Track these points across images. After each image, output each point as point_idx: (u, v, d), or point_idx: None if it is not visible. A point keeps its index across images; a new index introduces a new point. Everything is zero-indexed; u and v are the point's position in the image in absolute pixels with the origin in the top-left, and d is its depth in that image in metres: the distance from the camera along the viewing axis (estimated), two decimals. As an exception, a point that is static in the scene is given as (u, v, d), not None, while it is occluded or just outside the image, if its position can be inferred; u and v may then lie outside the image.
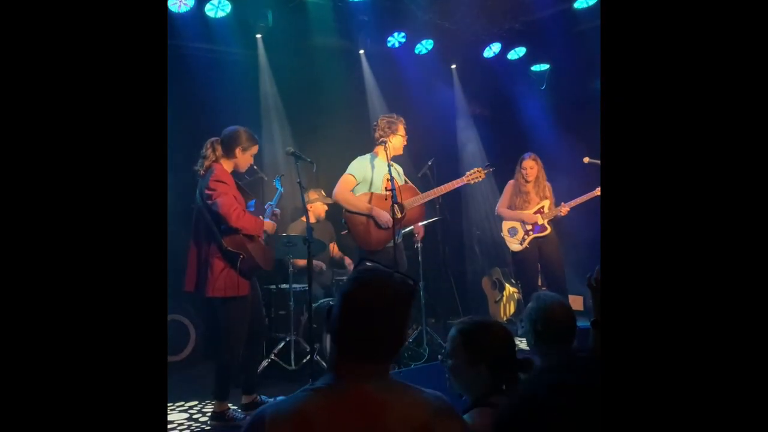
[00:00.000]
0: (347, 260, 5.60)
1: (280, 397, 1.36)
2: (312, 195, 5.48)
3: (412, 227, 4.77)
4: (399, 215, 4.12)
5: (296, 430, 1.24)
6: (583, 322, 2.57)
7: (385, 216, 4.16)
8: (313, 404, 1.28)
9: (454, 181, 4.41)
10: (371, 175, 4.30)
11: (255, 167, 4.47)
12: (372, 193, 4.29)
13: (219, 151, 3.60)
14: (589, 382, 0.87)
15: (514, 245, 5.33)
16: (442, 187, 4.38)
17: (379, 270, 1.40)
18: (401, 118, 4.36)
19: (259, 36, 5.77)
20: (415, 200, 4.26)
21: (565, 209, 5.20)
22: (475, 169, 4.46)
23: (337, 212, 4.58)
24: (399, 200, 4.03)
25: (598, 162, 5.08)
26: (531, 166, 5.27)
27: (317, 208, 5.49)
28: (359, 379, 1.31)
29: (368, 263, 1.47)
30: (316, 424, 1.25)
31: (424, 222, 4.96)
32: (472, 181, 4.44)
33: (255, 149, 3.70)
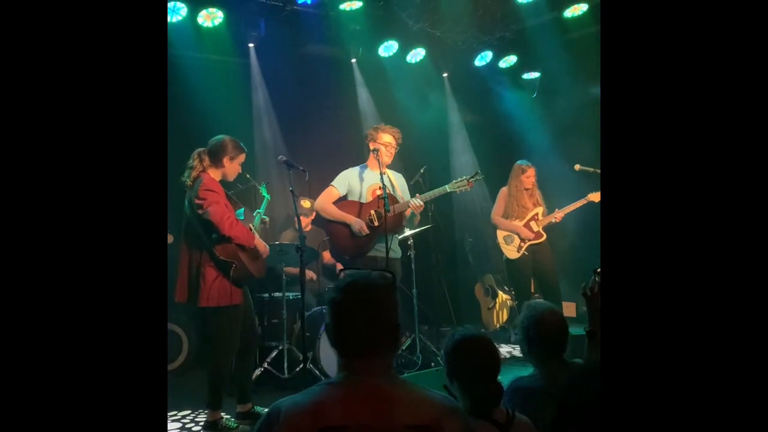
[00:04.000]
0: (339, 266, 5.60)
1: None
2: (304, 204, 5.47)
3: (406, 233, 4.77)
4: (376, 223, 4.13)
5: (312, 420, 1.31)
6: (576, 329, 2.58)
7: (358, 223, 4.18)
8: (328, 396, 1.36)
9: (437, 190, 4.30)
10: (359, 187, 4.33)
11: (247, 176, 4.47)
12: (360, 203, 4.30)
13: (206, 161, 3.59)
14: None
15: (511, 253, 5.34)
16: (424, 195, 4.28)
17: (358, 272, 1.49)
18: (391, 126, 4.35)
19: (251, 45, 5.80)
20: (396, 208, 4.24)
21: (559, 216, 5.24)
22: (462, 178, 4.31)
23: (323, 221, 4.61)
24: (391, 207, 4.03)
25: (589, 169, 5.11)
26: (532, 174, 5.30)
27: (302, 219, 5.47)
28: (369, 373, 1.39)
29: (347, 271, 1.53)
30: (331, 414, 1.32)
31: (417, 230, 4.97)
32: (458, 190, 4.31)
33: (242, 158, 3.70)
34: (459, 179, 4.32)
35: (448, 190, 4.31)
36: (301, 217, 5.35)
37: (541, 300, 2.61)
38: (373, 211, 4.21)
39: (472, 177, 4.33)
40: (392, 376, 1.43)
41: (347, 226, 4.23)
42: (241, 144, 3.70)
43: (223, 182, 3.67)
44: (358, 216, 4.24)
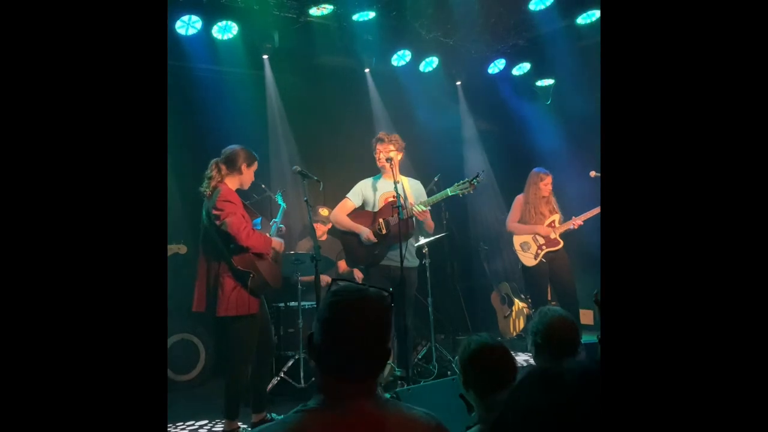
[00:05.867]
0: (357, 273, 5.60)
1: (266, 424, 1.35)
2: (322, 212, 5.51)
3: (421, 242, 4.77)
4: (384, 231, 4.16)
5: None
6: (591, 337, 2.56)
7: (365, 232, 4.23)
8: (309, 424, 1.26)
9: (438, 195, 4.25)
10: (372, 197, 4.37)
11: (263, 186, 4.50)
12: (374, 212, 4.34)
13: (224, 170, 3.64)
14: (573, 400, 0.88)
15: (528, 260, 5.31)
16: (428, 200, 4.27)
17: (353, 288, 1.39)
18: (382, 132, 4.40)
19: (265, 56, 5.85)
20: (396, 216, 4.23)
21: (577, 222, 5.21)
22: (464, 180, 4.23)
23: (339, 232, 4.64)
24: (405, 215, 4.03)
25: (606, 176, 5.08)
26: (549, 182, 5.28)
27: (320, 227, 5.53)
28: (353, 396, 1.30)
29: (340, 282, 1.45)
30: None
31: (432, 238, 4.96)
32: (460, 193, 4.22)
33: (256, 165, 3.79)
34: (461, 182, 4.25)
35: (450, 194, 4.24)
36: (319, 225, 5.41)
37: (555, 306, 2.59)
38: (381, 220, 4.24)
39: (474, 179, 4.25)
40: (376, 398, 1.34)
41: (357, 235, 4.27)
42: (254, 153, 3.75)
43: (240, 192, 3.71)
44: (372, 225, 4.27)
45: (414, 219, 4.28)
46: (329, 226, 5.59)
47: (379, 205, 4.34)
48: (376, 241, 4.21)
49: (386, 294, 1.39)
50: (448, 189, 4.26)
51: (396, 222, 4.08)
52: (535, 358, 2.25)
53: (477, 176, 4.29)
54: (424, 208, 4.20)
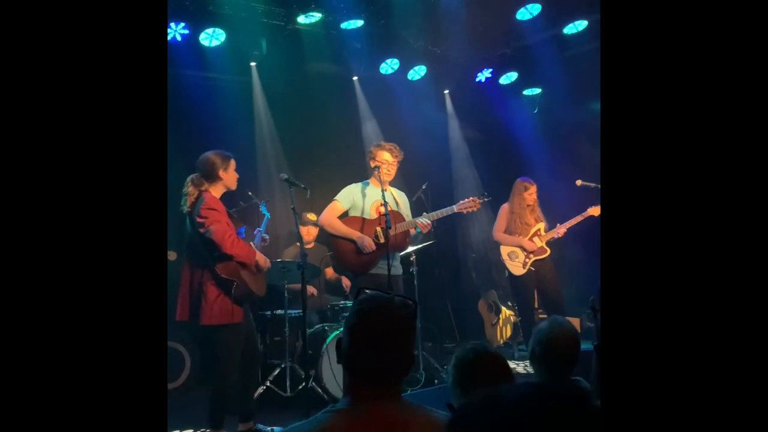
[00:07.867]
0: (345, 280, 5.58)
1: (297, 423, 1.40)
2: (310, 217, 5.49)
3: (408, 249, 4.77)
4: (382, 240, 4.13)
5: None
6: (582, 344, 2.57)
7: (365, 241, 4.18)
8: (335, 425, 1.33)
9: (444, 210, 4.35)
10: (362, 203, 4.34)
11: (250, 193, 4.47)
12: (363, 219, 4.31)
13: (204, 184, 3.57)
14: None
15: (516, 269, 5.33)
16: (432, 214, 4.34)
17: (380, 297, 1.46)
18: (391, 143, 4.38)
19: (253, 64, 5.85)
20: (400, 226, 4.25)
21: (562, 230, 5.24)
22: (470, 198, 4.36)
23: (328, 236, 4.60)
24: (392, 225, 4.03)
25: (590, 185, 5.11)
26: (534, 191, 5.31)
27: (310, 231, 5.50)
28: (377, 399, 1.37)
29: (367, 291, 1.52)
30: None
31: (419, 246, 4.97)
32: (465, 211, 4.36)
33: (234, 163, 3.68)
34: (466, 200, 4.36)
35: (456, 211, 4.34)
36: (309, 227, 5.38)
37: (563, 318, 2.57)
38: (378, 228, 4.21)
39: (480, 198, 4.38)
40: (400, 401, 1.41)
41: (353, 242, 4.23)
42: (226, 152, 3.68)
43: (227, 199, 3.67)
44: (361, 232, 4.24)
45: (408, 232, 4.30)
46: (318, 229, 5.58)
47: (371, 212, 4.32)
48: (375, 249, 4.18)
49: (411, 303, 1.47)
50: (454, 206, 4.35)
51: (395, 232, 4.13)
52: (531, 363, 2.28)
53: (483, 196, 4.43)
54: (428, 221, 4.25)
